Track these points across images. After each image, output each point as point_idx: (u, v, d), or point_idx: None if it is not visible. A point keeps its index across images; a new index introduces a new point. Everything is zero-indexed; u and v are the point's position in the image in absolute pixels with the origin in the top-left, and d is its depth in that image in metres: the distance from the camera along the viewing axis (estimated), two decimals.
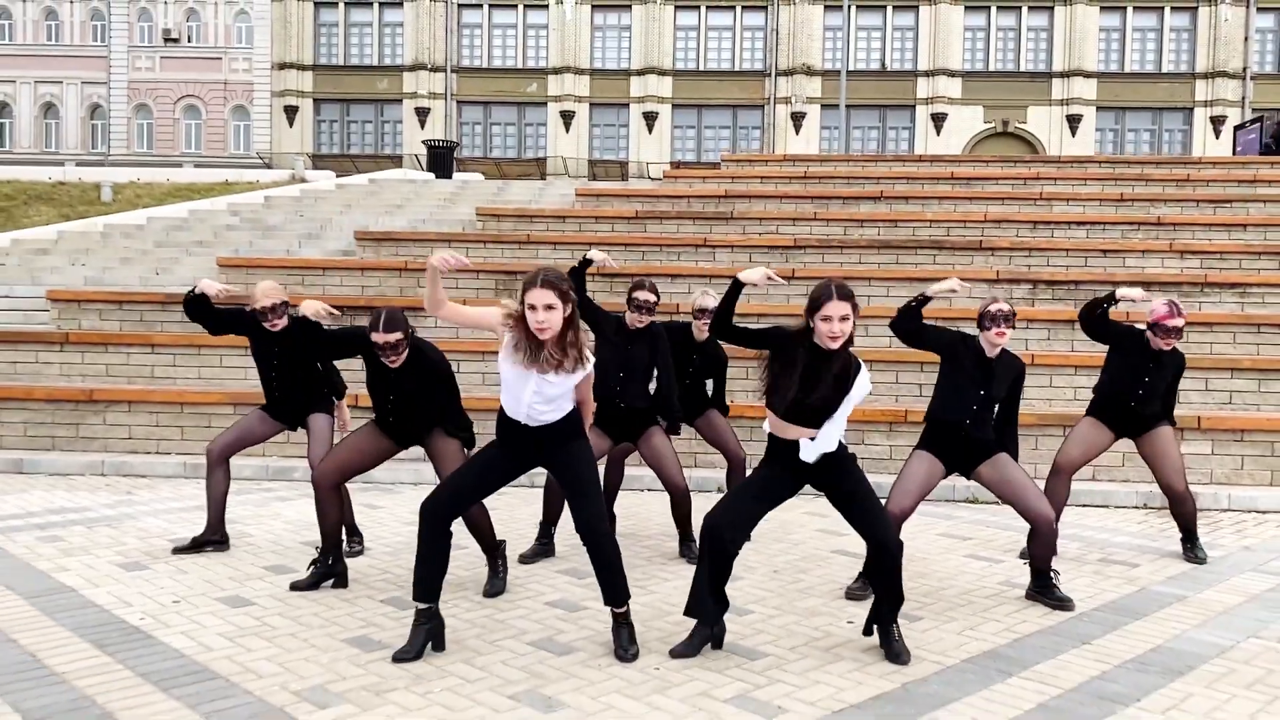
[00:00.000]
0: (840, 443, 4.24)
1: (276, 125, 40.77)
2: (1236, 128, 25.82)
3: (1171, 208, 13.94)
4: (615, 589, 4.17)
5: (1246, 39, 37.19)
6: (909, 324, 5.06)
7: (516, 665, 4.03)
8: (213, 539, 5.81)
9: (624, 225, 13.37)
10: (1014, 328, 5.08)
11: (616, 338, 5.75)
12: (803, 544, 6.22)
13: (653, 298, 5.74)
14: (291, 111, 40.56)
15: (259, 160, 38.64)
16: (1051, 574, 5.07)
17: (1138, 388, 5.92)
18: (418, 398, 5.06)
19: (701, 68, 39.10)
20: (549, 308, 3.89)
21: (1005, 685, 3.92)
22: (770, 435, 4.27)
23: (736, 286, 4.27)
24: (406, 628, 4.44)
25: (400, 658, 4.04)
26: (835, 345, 4.05)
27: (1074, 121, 37.54)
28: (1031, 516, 4.93)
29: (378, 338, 4.85)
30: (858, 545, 6.08)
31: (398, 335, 4.85)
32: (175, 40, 41.96)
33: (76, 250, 13.87)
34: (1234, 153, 24.19)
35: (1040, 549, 5.02)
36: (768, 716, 3.57)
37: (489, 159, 38.03)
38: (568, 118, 39.15)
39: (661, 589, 5.18)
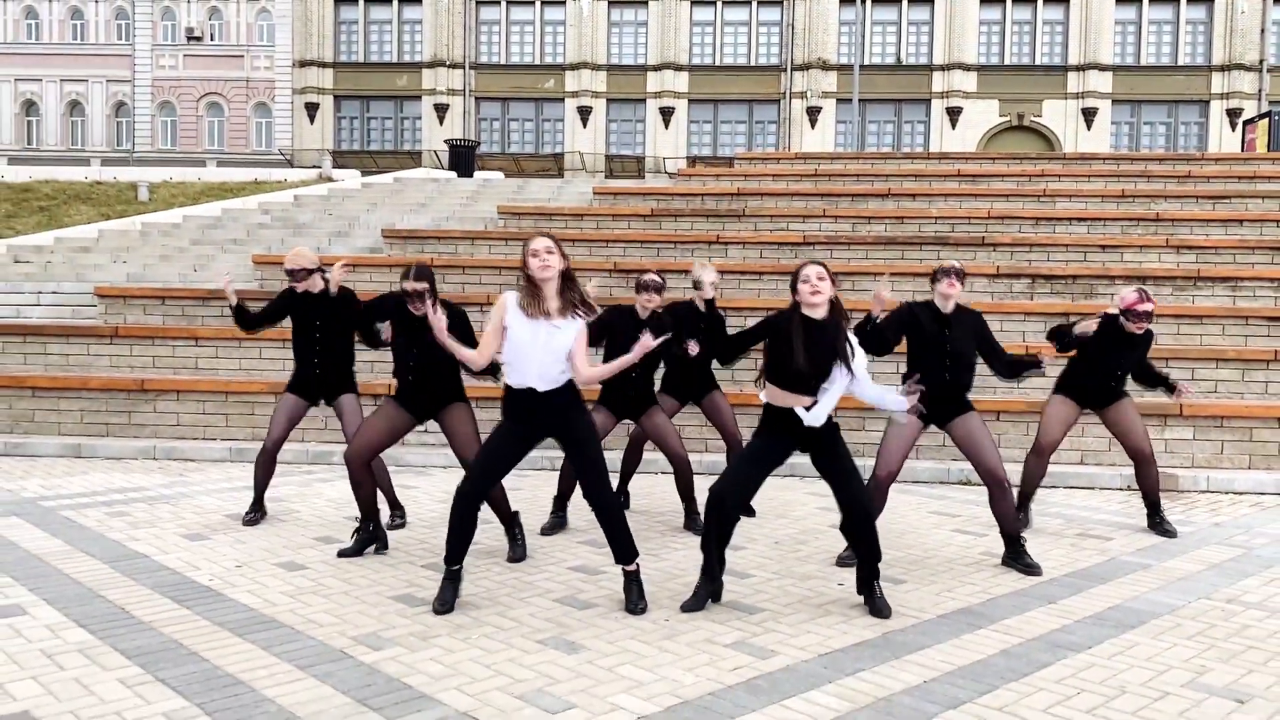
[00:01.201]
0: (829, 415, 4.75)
1: (298, 122, 41.44)
2: (1245, 121, 26.09)
3: (1172, 204, 14.38)
4: (623, 548, 4.74)
5: (1263, 31, 37.29)
6: (870, 345, 5.34)
7: (543, 617, 4.59)
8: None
9: (639, 223, 13.91)
10: (964, 281, 5.63)
11: (630, 329, 6.14)
12: (802, 520, 6.76)
13: (658, 278, 6.27)
14: (312, 108, 41.22)
15: (281, 157, 39.33)
16: (1021, 540, 5.62)
17: (1117, 369, 6.46)
18: (439, 351, 5.22)
19: (718, 63, 39.52)
20: (549, 252, 4.52)
21: (973, 635, 4.45)
22: (766, 406, 4.78)
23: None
24: None
25: (440, 610, 4.63)
26: (818, 301, 4.56)
27: (1089, 115, 37.70)
28: (986, 473, 5.49)
29: (408, 285, 5.51)
30: None
31: (424, 285, 5.51)
32: (198, 38, 42.69)
33: (117, 248, 14.53)
34: (1242, 147, 24.50)
35: (1002, 510, 5.55)
36: (762, 657, 4.12)
37: (507, 155, 38.61)
38: (585, 113, 39.65)
39: (672, 557, 5.73)
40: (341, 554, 5.64)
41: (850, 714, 3.58)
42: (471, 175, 22.47)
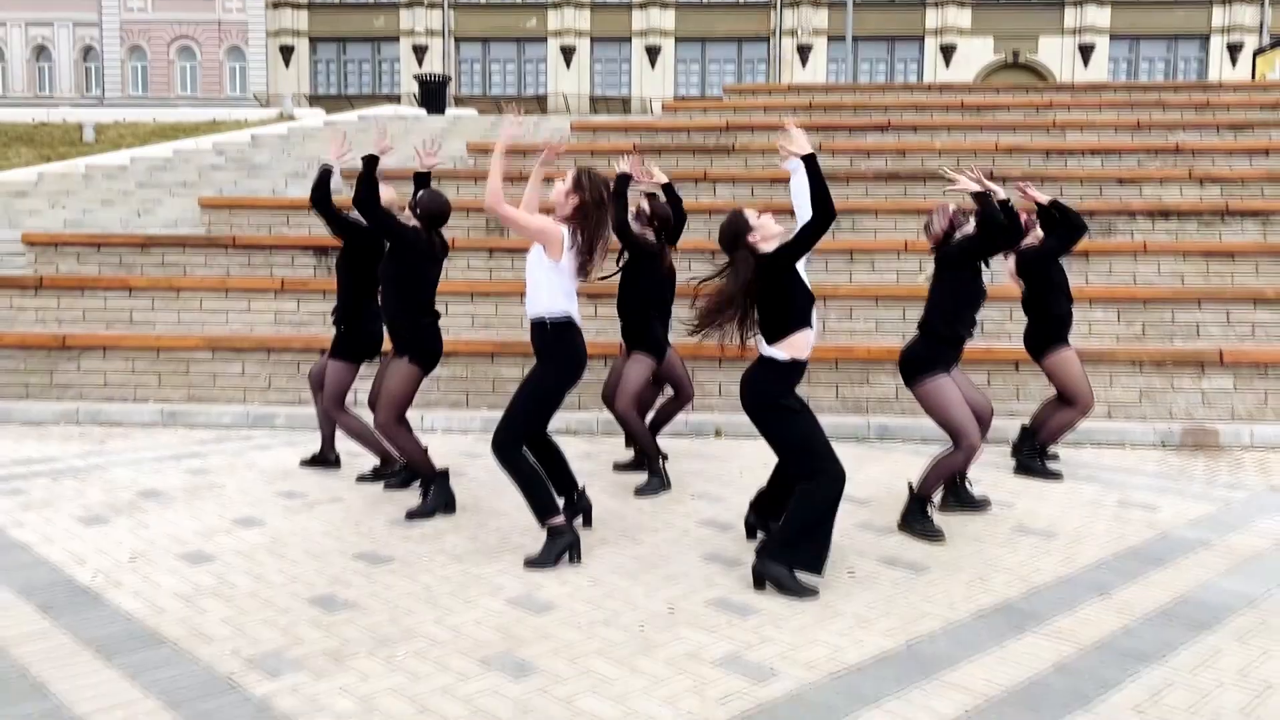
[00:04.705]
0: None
1: (272, 66, 40.03)
2: (1256, 52, 25.01)
3: (1190, 134, 13.41)
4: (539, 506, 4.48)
5: None
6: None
7: (491, 624, 3.73)
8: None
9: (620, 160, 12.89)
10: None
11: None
12: None
13: (645, 208, 5.99)
14: (287, 52, 39.80)
15: (255, 103, 37.94)
16: (967, 482, 5.39)
17: (1068, 287, 6.28)
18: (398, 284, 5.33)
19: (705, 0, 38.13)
20: (563, 180, 4.46)
21: (1018, 643, 3.60)
22: (791, 364, 4.10)
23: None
24: (376, 583, 4.16)
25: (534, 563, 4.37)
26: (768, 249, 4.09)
27: (1087, 51, 36.58)
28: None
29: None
30: (860, 491, 5.77)
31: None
32: None
33: (57, 192, 13.45)
34: (1253, 77, 23.45)
35: (947, 468, 5.03)
36: (758, 679, 3.27)
37: (488, 97, 37.29)
38: (568, 53, 38.30)
39: (651, 540, 4.87)
40: (410, 515, 5.20)
41: None
42: (443, 112, 21.29)
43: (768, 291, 4.03)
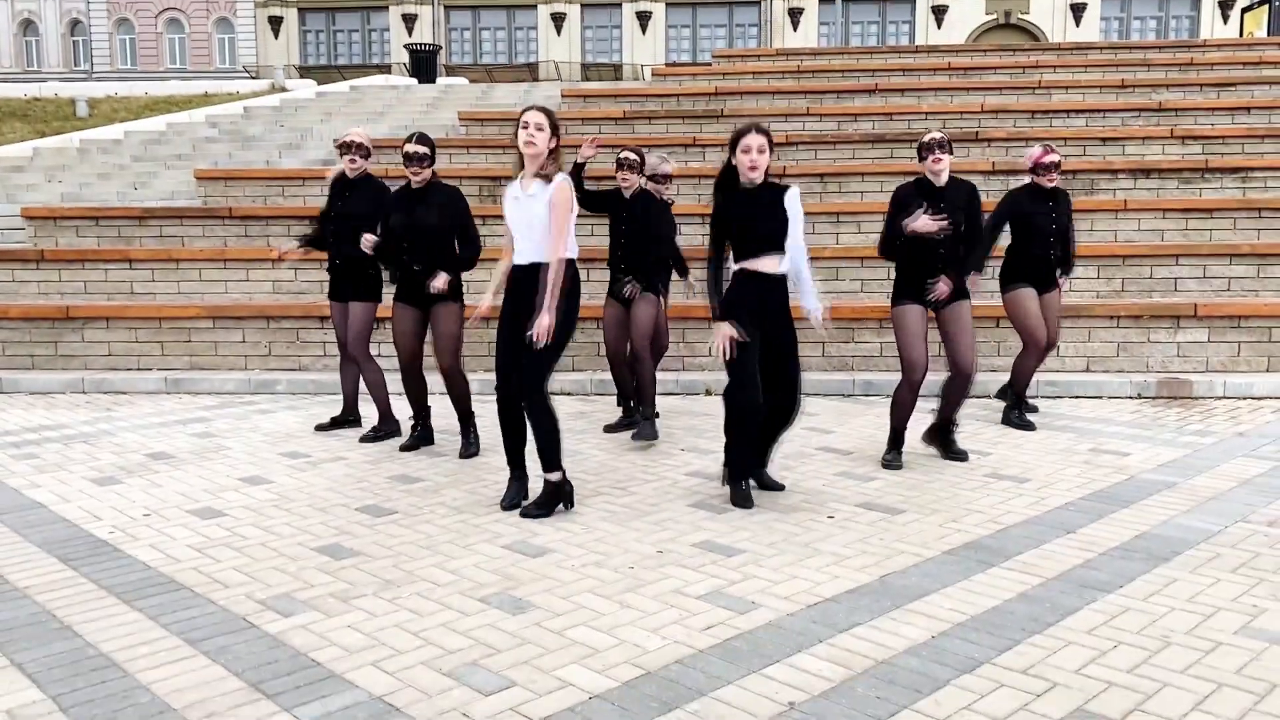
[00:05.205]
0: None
1: (261, 37, 39.85)
2: (1244, 9, 25.04)
3: (1174, 93, 13.56)
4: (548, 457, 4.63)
5: None
6: (890, 252, 5.51)
7: (489, 568, 3.96)
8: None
9: (611, 126, 13.02)
10: (951, 153, 5.37)
11: (616, 209, 6.31)
12: (788, 441, 6.10)
13: (634, 156, 6.22)
14: (276, 22, 39.64)
15: (246, 74, 37.81)
16: (953, 426, 5.61)
17: (1048, 235, 6.43)
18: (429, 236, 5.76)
19: None
20: (539, 128, 4.50)
21: (985, 575, 3.84)
22: (737, 275, 4.71)
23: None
24: (380, 533, 4.39)
25: (506, 506, 4.70)
26: (754, 175, 4.63)
27: (1078, 10, 36.51)
28: (957, 365, 5.42)
29: (408, 147, 5.69)
30: (842, 443, 6.01)
31: (424, 149, 5.70)
32: None
33: (53, 167, 13.57)
34: (1241, 34, 23.51)
35: (954, 398, 5.50)
36: (740, 611, 3.50)
37: (479, 65, 37.18)
38: (559, 20, 38.17)
39: (641, 490, 5.10)
40: (403, 448, 5.97)
41: (845, 683, 2.97)
42: (434, 82, 21.32)
43: None
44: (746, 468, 4.81)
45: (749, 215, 4.66)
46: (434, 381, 6.00)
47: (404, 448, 6.00)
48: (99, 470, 5.55)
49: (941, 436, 5.68)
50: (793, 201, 4.69)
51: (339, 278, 6.32)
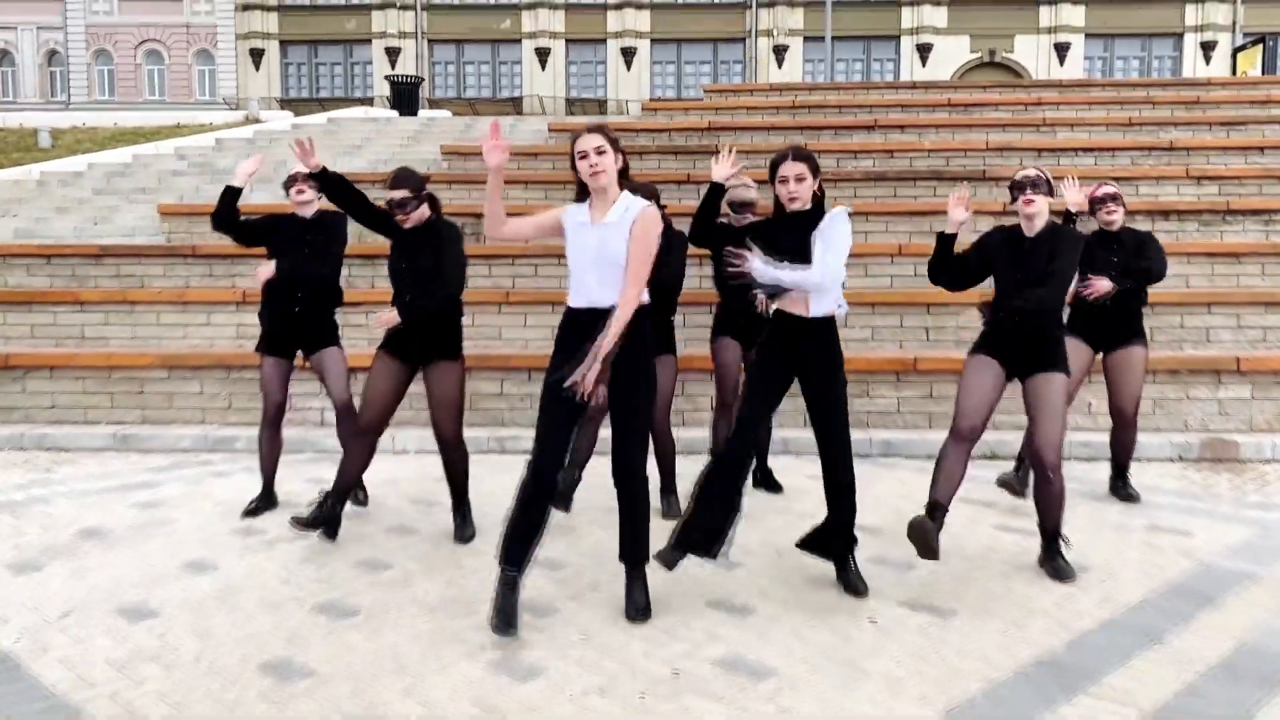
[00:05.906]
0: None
1: (242, 69, 39.34)
2: (1236, 49, 24.86)
3: (1183, 131, 13.09)
4: (636, 546, 3.97)
5: None
6: (943, 268, 4.61)
7: (467, 697, 3.26)
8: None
9: None
10: (1051, 194, 4.47)
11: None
12: (809, 515, 5.43)
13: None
14: (257, 55, 39.17)
15: (225, 107, 37.26)
16: (1062, 539, 4.55)
17: (1123, 279, 5.56)
18: (432, 276, 4.84)
19: (680, 0, 37.70)
20: (599, 151, 3.78)
21: (1072, 708, 3.17)
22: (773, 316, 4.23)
23: (715, 190, 4.46)
24: (337, 643, 3.68)
25: (497, 628, 3.76)
26: (795, 205, 4.14)
27: (1062, 50, 36.54)
28: (1035, 448, 4.43)
29: (388, 195, 4.85)
30: (869, 517, 5.30)
31: (404, 192, 4.82)
32: None
33: (8, 200, 12.84)
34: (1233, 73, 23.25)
35: (1042, 500, 4.52)
36: None
37: (462, 100, 36.76)
38: (543, 55, 37.84)
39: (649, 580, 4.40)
40: (293, 521, 4.86)
41: None
42: (415, 114, 20.74)
43: None
44: (700, 544, 4.14)
45: (772, 247, 4.14)
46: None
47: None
48: (19, 551, 4.81)
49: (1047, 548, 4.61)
50: (828, 224, 4.06)
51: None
